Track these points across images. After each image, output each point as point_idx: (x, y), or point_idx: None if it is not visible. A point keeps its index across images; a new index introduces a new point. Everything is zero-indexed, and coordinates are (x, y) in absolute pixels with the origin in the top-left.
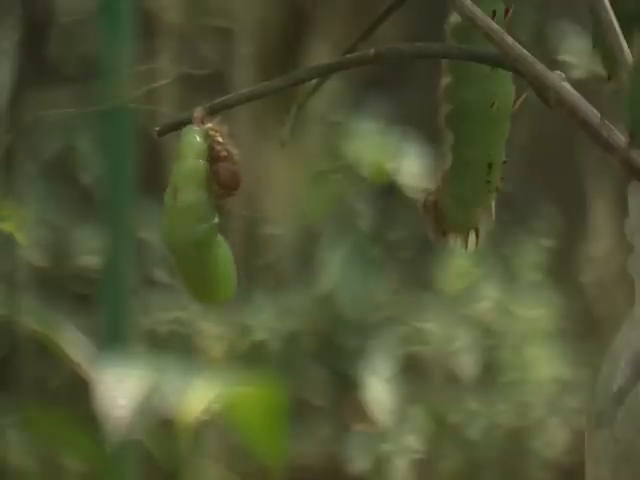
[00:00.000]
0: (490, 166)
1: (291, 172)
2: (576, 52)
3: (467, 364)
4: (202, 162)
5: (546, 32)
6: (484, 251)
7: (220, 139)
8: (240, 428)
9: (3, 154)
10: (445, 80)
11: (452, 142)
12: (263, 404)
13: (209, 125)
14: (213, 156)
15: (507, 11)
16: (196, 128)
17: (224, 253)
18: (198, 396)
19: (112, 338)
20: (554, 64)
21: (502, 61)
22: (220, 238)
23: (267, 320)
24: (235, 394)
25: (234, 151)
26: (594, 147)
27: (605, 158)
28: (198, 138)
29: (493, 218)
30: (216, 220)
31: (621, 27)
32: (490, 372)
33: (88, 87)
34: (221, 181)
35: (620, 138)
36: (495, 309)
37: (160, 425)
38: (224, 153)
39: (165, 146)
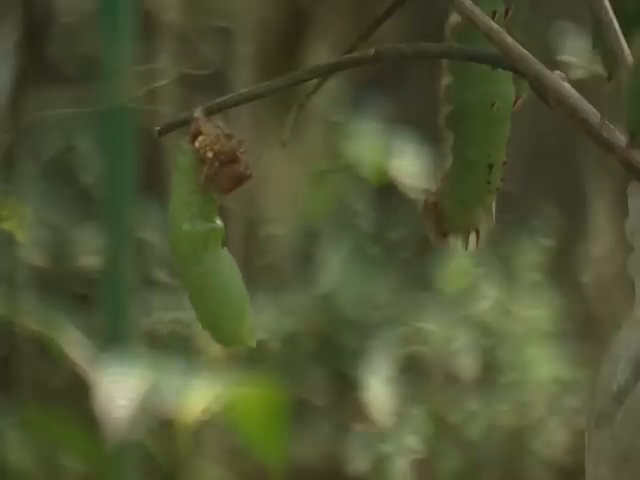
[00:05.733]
0: (490, 166)
1: (291, 172)
2: (576, 52)
3: (467, 364)
4: (191, 176)
5: (546, 32)
6: (484, 251)
7: (209, 151)
8: (240, 428)
9: (3, 154)
10: (445, 80)
11: (452, 142)
12: (263, 404)
13: (198, 140)
14: (205, 171)
15: (507, 11)
16: (182, 147)
17: (231, 272)
18: (198, 396)
19: (112, 338)
20: (554, 64)
21: (502, 61)
22: (227, 256)
23: (267, 320)
24: (235, 394)
25: (231, 151)
26: (594, 147)
27: (605, 158)
28: (184, 159)
29: (493, 218)
30: (211, 227)
31: (621, 27)
32: (490, 372)
33: (88, 87)
34: (220, 188)
35: (620, 138)
36: (495, 309)
37: (160, 425)
38: (217, 161)
39: (165, 146)
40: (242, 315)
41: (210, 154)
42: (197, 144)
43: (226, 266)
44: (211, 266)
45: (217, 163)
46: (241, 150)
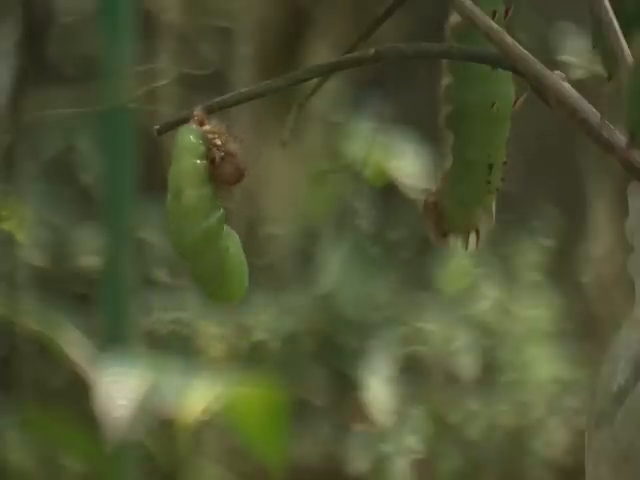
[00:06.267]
0: (490, 166)
1: (291, 172)
2: (576, 52)
3: (467, 364)
4: (200, 161)
5: (546, 32)
6: (484, 251)
7: (217, 139)
8: (240, 428)
9: (3, 154)
10: (445, 80)
11: (452, 142)
12: (263, 404)
13: (206, 127)
14: (212, 156)
15: (507, 11)
16: (191, 127)
17: (234, 246)
18: (198, 396)
19: (112, 338)
20: (554, 64)
21: (502, 61)
22: (229, 230)
23: (267, 320)
24: (235, 394)
25: (233, 146)
26: (594, 147)
27: (605, 158)
28: (193, 138)
29: (493, 218)
30: (221, 213)
31: (621, 27)
32: (490, 372)
33: (88, 87)
34: (224, 179)
35: (620, 138)
36: (495, 309)
37: (160, 425)
38: (223, 151)
39: (165, 146)
40: (244, 274)
41: (219, 141)
42: (206, 128)
43: (233, 241)
44: (224, 245)
45: (224, 152)
46: (237, 147)
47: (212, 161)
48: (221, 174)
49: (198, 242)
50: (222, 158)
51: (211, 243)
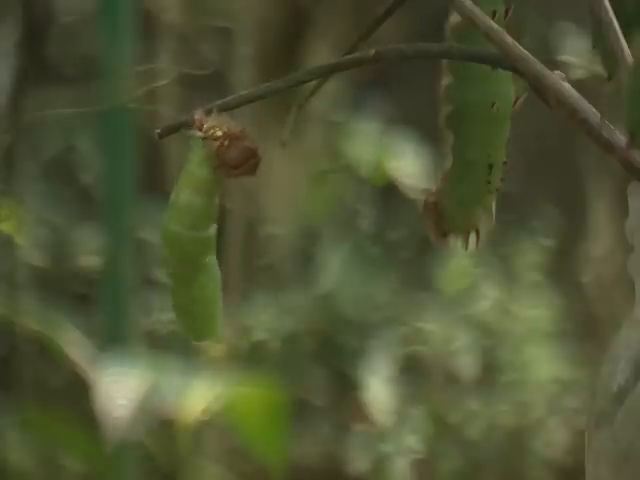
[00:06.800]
0: (490, 166)
1: (291, 172)
2: (576, 52)
3: (467, 364)
4: (206, 170)
5: (546, 32)
6: (484, 251)
7: (219, 132)
8: (240, 428)
9: (3, 154)
10: (445, 80)
11: (452, 142)
12: (263, 404)
13: (206, 125)
14: (219, 150)
15: (507, 11)
16: (199, 135)
17: (213, 287)
18: (198, 396)
19: (112, 338)
20: (554, 64)
21: (502, 61)
22: (214, 270)
23: (267, 320)
24: (235, 394)
25: (237, 130)
26: (594, 147)
27: (605, 158)
28: (198, 152)
29: (493, 218)
30: (209, 234)
31: (621, 27)
32: (490, 372)
33: (88, 87)
34: (234, 163)
35: (620, 138)
36: (495, 309)
37: (160, 425)
38: (227, 137)
39: (165, 147)
40: (217, 312)
41: (219, 132)
42: (205, 127)
43: (215, 272)
44: (208, 272)
45: (227, 141)
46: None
47: (220, 152)
48: (230, 160)
49: (179, 246)
50: (227, 145)
51: (193, 264)
